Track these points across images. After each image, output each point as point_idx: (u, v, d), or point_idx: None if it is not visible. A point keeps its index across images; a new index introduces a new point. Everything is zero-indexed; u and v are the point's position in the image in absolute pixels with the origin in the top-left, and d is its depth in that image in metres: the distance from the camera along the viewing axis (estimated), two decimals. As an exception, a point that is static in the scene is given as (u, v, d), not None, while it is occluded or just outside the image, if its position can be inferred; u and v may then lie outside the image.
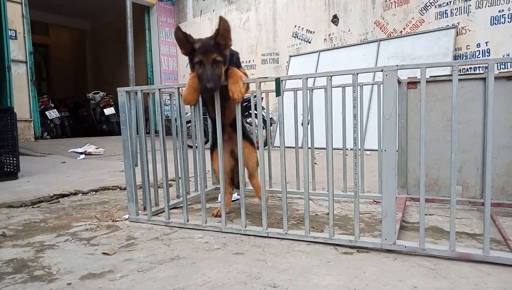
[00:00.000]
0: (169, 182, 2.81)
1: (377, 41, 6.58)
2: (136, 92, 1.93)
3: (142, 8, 10.32)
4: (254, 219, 2.05)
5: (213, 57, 1.73)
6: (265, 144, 5.91)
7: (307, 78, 1.57)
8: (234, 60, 1.90)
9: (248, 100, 5.99)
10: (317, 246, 1.57)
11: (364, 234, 1.73)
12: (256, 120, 2.58)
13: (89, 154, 5.96)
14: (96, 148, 6.25)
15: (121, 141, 2.00)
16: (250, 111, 6.45)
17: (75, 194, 2.79)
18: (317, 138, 2.57)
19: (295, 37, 8.03)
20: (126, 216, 2.07)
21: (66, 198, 2.69)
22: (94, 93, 10.67)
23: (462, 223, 1.87)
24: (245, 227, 1.73)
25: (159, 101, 1.89)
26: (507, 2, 5.31)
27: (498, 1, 5.39)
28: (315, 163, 2.74)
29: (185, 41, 1.76)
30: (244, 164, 2.12)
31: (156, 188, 2.22)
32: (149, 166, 1.97)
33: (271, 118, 6.65)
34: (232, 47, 1.90)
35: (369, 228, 1.84)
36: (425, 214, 2.04)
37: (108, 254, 1.51)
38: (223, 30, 1.73)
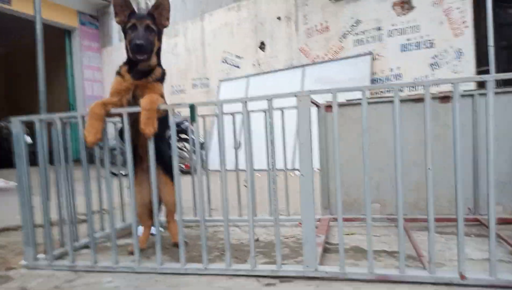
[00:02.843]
0: (80, 217, 2.55)
1: (302, 66, 6.87)
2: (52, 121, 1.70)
3: (62, 31, 9.74)
4: (175, 253, 1.90)
5: (147, 23, 1.74)
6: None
7: (222, 104, 1.52)
8: (162, 76, 1.89)
9: (178, 124, 5.83)
10: (239, 279, 1.48)
11: (288, 261, 1.68)
12: (186, 145, 2.44)
13: (-3, 189, 5.31)
14: (5, 182, 5.60)
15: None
16: (182, 136, 6.30)
17: (-35, 239, 2.40)
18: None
19: (224, 62, 8.09)
20: (24, 262, 1.80)
21: (-47, 245, 2.30)
22: (7, 122, 9.69)
23: (381, 241, 1.90)
24: (161, 265, 1.59)
25: (61, 131, 1.69)
26: (413, 32, 5.88)
27: (405, 31, 5.95)
28: (245, 186, 2.66)
29: (124, 6, 1.75)
30: (163, 201, 1.98)
31: (62, 226, 1.95)
32: (61, 200, 1.77)
33: (202, 143, 6.52)
34: None
35: (294, 253, 1.79)
36: (347, 234, 2.07)
37: (-9, 314, 1.27)
38: (162, 6, 1.79)
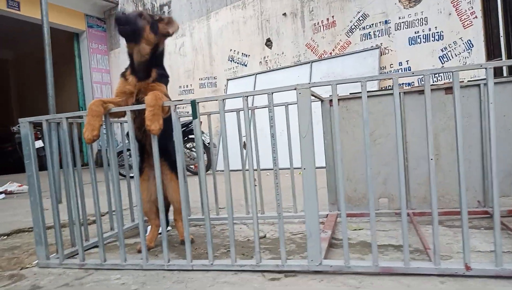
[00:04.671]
0: (90, 218, 2.60)
1: (309, 62, 6.83)
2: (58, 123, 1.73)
3: (71, 35, 9.87)
4: (183, 251, 1.91)
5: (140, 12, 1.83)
6: (208, 168, 5.77)
7: (224, 100, 1.52)
8: (163, 79, 1.93)
9: (187, 125, 5.85)
10: (244, 275, 1.48)
11: (294, 256, 1.68)
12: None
13: (11, 193, 5.43)
14: (19, 186, 5.71)
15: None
16: (190, 136, 6.32)
17: (-21, 241, 2.46)
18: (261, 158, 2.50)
19: (231, 61, 8.10)
20: (36, 261, 1.84)
21: (-33, 246, 2.35)
22: (19, 126, 9.88)
23: (388, 236, 1.89)
24: (168, 262, 1.60)
25: (67, 131, 1.72)
26: (421, 25, 5.80)
27: (413, 24, 5.87)
28: (255, 185, 2.66)
29: None
30: (169, 198, 1.99)
31: (72, 226, 1.99)
32: (71, 202, 1.80)
33: (208, 143, 6.55)
34: (169, 72, 1.99)
35: (300, 249, 1.79)
36: (355, 229, 2.06)
37: (2, 311, 1.30)
38: (171, 25, 1.90)
